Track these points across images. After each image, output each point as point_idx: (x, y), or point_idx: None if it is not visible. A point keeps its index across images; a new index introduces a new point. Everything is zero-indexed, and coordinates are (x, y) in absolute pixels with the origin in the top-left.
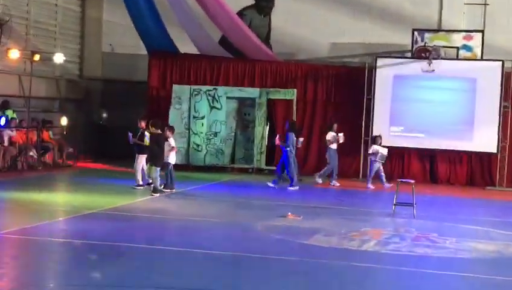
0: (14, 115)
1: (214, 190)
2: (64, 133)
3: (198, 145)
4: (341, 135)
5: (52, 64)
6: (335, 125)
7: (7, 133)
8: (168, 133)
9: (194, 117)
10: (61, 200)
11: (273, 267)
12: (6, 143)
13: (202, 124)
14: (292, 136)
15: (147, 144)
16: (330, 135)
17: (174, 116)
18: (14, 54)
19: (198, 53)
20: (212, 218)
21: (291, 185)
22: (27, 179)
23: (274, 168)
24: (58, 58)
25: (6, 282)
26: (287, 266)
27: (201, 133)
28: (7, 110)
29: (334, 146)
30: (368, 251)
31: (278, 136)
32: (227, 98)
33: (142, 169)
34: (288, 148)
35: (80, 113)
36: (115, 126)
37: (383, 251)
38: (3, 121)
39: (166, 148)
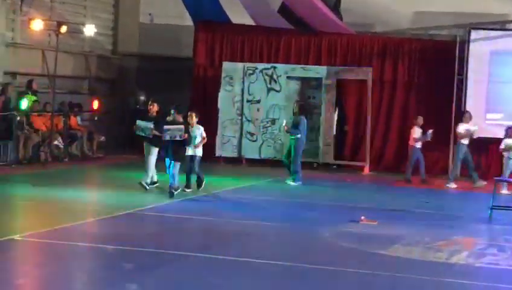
0: (35, 98)
1: (270, 188)
2: (95, 119)
3: (252, 135)
4: (430, 132)
5: (81, 38)
6: (420, 118)
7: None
8: (193, 118)
9: (248, 101)
10: (90, 199)
11: (344, 283)
12: (26, 130)
13: (258, 110)
14: (305, 121)
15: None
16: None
17: (224, 99)
18: (37, 24)
19: (253, 24)
20: (270, 222)
21: (295, 179)
22: (51, 173)
23: (344, 162)
24: (89, 30)
25: None
26: (360, 281)
27: (257, 120)
28: (29, 94)
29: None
30: (458, 264)
31: (284, 121)
32: (288, 78)
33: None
34: (298, 136)
35: (113, 96)
36: (163, 113)
37: (477, 265)
38: (25, 104)
39: (198, 138)
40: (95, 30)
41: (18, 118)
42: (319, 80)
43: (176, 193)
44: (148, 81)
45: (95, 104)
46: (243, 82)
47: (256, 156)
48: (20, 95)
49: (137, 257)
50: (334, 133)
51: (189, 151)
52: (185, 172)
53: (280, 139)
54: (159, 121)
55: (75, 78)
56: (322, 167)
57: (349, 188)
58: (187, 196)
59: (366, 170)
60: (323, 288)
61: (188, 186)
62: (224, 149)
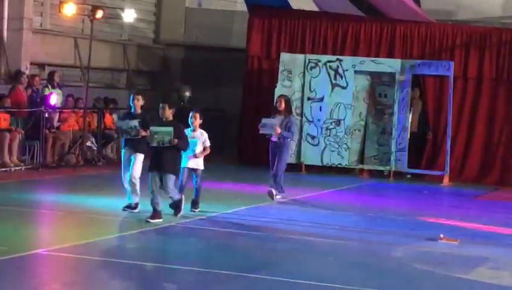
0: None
1: (334, 198)
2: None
3: (313, 138)
4: None
5: (119, 24)
6: None
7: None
8: (197, 120)
9: (309, 98)
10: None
11: None
12: (55, 128)
13: (320, 109)
14: (294, 122)
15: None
16: None
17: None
18: (70, 9)
19: (316, 10)
20: (334, 238)
21: (278, 191)
22: (83, 178)
23: (420, 171)
24: (128, 16)
25: None
26: None
27: (319, 121)
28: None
29: None
30: None
31: (277, 122)
32: (356, 72)
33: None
34: (288, 140)
35: (154, 91)
36: (202, 108)
37: None
38: (53, 99)
39: (198, 146)
40: (135, 16)
41: (46, 115)
42: (392, 75)
43: (181, 207)
44: (194, 75)
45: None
46: (304, 76)
47: (318, 163)
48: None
49: (180, 276)
50: (409, 136)
51: (190, 163)
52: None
53: (346, 144)
54: (146, 118)
55: (111, 70)
56: (394, 175)
57: (427, 200)
58: (236, 206)
59: (446, 181)
60: None
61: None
62: None
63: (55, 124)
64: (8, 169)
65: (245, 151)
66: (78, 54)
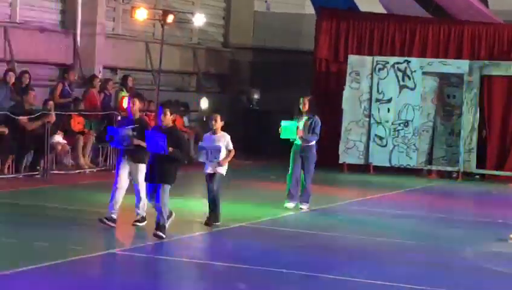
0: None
1: (402, 200)
2: (203, 119)
3: (382, 139)
4: None
5: (188, 29)
6: None
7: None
8: (217, 122)
9: (377, 100)
10: (197, 209)
11: None
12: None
13: (388, 110)
14: (320, 123)
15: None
16: None
17: (350, 98)
18: (141, 14)
19: (384, 12)
20: (402, 239)
21: (305, 201)
22: None
23: (489, 172)
24: (198, 20)
25: None
26: None
27: (387, 122)
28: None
29: None
30: None
31: (301, 124)
32: (424, 73)
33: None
34: (313, 143)
35: (223, 94)
36: (270, 111)
37: None
38: (126, 102)
39: (222, 151)
40: (205, 20)
41: (119, 118)
42: (460, 76)
43: (167, 226)
44: (262, 77)
45: (204, 103)
46: (372, 78)
47: (386, 163)
48: (121, 91)
49: (251, 276)
50: (477, 138)
51: (209, 169)
52: (208, 199)
53: (414, 144)
54: (143, 124)
55: (181, 73)
56: (463, 177)
57: (496, 201)
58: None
59: None
60: None
61: (214, 218)
62: (349, 155)
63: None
64: (82, 171)
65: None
66: (150, 57)
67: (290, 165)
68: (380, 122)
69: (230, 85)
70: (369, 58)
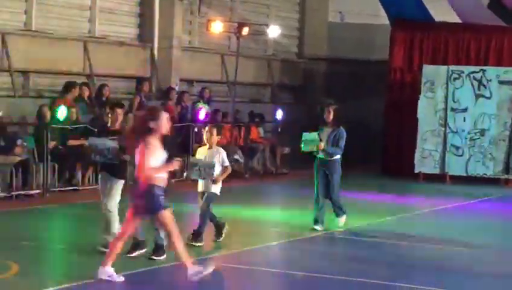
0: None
1: (479, 208)
2: (279, 130)
3: (458, 148)
4: None
5: (263, 40)
6: None
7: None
8: (213, 136)
9: (453, 109)
10: (273, 219)
11: None
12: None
13: (464, 119)
14: (345, 135)
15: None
16: None
17: (425, 107)
18: (217, 27)
19: (459, 21)
20: (477, 248)
21: (340, 214)
22: (230, 190)
23: None
24: (272, 31)
25: None
26: None
27: (463, 131)
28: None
29: None
30: None
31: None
32: (500, 82)
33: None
34: (338, 157)
35: (298, 104)
36: (347, 121)
37: None
38: (202, 114)
39: (217, 167)
40: (279, 31)
41: (195, 130)
42: None
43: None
44: (337, 88)
45: (279, 114)
46: (447, 88)
47: (462, 173)
48: (198, 103)
49: (326, 285)
50: None
51: (200, 187)
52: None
53: (491, 153)
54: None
55: (256, 85)
56: None
57: None
58: (384, 215)
59: None
60: None
61: (217, 234)
62: (425, 164)
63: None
64: None
65: (388, 162)
66: (225, 69)
67: (315, 185)
68: (456, 132)
69: (304, 95)
70: (443, 68)
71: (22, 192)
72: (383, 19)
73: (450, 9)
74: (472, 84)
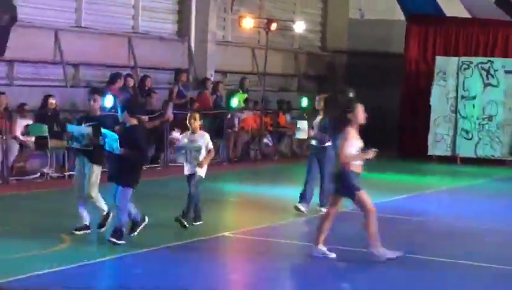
0: (246, 96)
1: (487, 188)
2: (305, 117)
3: (467, 132)
4: None
5: (290, 35)
6: None
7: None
8: (196, 121)
9: (463, 97)
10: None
11: None
12: (237, 127)
13: (473, 106)
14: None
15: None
16: None
17: (438, 95)
18: (248, 23)
19: (468, 16)
20: (486, 223)
21: (324, 205)
22: (261, 171)
23: None
24: (298, 27)
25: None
26: None
27: (472, 117)
28: (239, 93)
29: None
30: None
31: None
32: (506, 72)
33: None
34: (328, 144)
35: (322, 93)
36: (365, 108)
37: None
38: (234, 102)
39: (202, 151)
40: (304, 27)
41: (229, 116)
42: None
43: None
44: (357, 78)
45: (305, 102)
46: (458, 77)
47: (472, 155)
48: (231, 93)
49: (349, 256)
50: None
51: (186, 170)
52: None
53: (498, 137)
54: (106, 123)
55: (284, 76)
56: None
57: None
58: (402, 193)
59: None
60: None
61: (195, 218)
62: (437, 147)
63: (236, 124)
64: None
65: (404, 145)
66: (255, 62)
67: (306, 168)
68: (466, 118)
69: (327, 85)
70: (454, 59)
71: (73, 173)
72: (399, 14)
73: (460, 5)
74: (480, 74)
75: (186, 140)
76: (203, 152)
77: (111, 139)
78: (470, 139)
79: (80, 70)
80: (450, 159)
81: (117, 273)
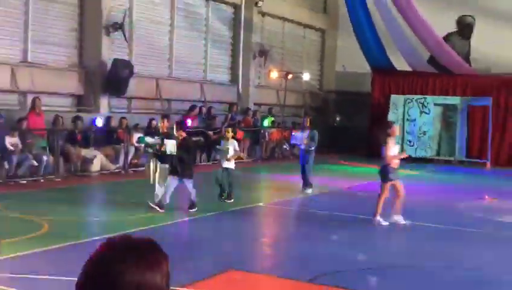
0: (273, 119)
1: (423, 176)
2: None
3: (410, 141)
4: None
5: (300, 81)
6: None
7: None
8: (228, 133)
9: (407, 120)
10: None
11: (476, 237)
12: (267, 138)
13: (414, 125)
14: (317, 134)
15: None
16: None
17: (392, 119)
18: (274, 74)
19: (410, 70)
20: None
21: (309, 187)
22: (282, 166)
23: (474, 160)
24: (305, 76)
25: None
26: (485, 238)
27: (413, 132)
28: (269, 117)
29: None
30: None
31: (304, 134)
32: (435, 104)
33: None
34: (313, 148)
35: (319, 117)
36: (346, 127)
37: None
38: (265, 122)
39: (230, 151)
40: (309, 76)
41: (262, 131)
42: (455, 106)
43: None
44: (342, 108)
45: (308, 122)
46: (404, 107)
47: (413, 155)
48: (263, 117)
49: (338, 219)
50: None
51: (224, 164)
52: (219, 183)
53: (429, 145)
54: (169, 137)
55: (296, 106)
56: (457, 163)
57: (476, 177)
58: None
59: (488, 165)
60: (461, 242)
61: (221, 195)
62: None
63: (266, 136)
64: (242, 160)
65: (370, 149)
66: (278, 98)
67: (300, 165)
68: (409, 132)
69: (323, 112)
70: (402, 96)
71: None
72: (368, 68)
73: (405, 62)
74: (418, 106)
75: (221, 145)
76: (231, 151)
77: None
78: (412, 145)
79: (172, 103)
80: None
81: (197, 228)
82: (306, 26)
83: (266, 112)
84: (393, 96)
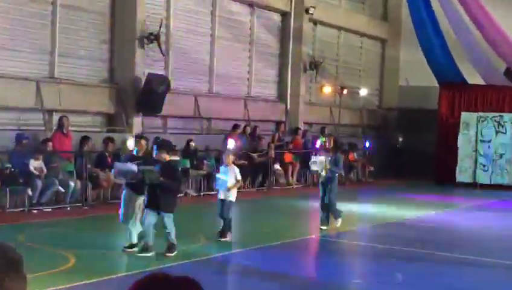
0: (325, 140)
1: (497, 205)
2: (367, 154)
3: (484, 166)
4: None
5: (356, 97)
6: None
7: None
8: (228, 158)
9: (481, 141)
10: (367, 210)
11: None
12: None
13: (489, 147)
14: (341, 158)
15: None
16: None
17: (462, 140)
18: (327, 89)
19: (484, 84)
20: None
21: (336, 218)
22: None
23: None
24: (363, 92)
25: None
26: None
27: (488, 155)
28: (321, 137)
29: None
30: None
31: (323, 158)
32: None
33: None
34: (337, 174)
35: (379, 138)
36: (409, 149)
37: None
38: (318, 143)
39: (231, 180)
40: (367, 91)
41: (313, 153)
42: None
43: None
44: (404, 127)
45: (367, 144)
46: (477, 127)
47: (488, 182)
48: (315, 137)
49: (398, 254)
50: None
51: (221, 195)
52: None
53: (506, 169)
54: (148, 161)
55: (352, 126)
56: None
57: None
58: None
59: None
60: None
61: (222, 234)
62: (462, 176)
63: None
64: (291, 187)
65: (439, 174)
66: (332, 116)
67: (320, 196)
68: (483, 155)
69: (383, 132)
70: (475, 114)
71: (208, 192)
72: (435, 81)
73: (478, 76)
74: (494, 125)
75: (220, 172)
76: (232, 181)
77: (150, 173)
78: (486, 171)
79: (211, 122)
80: (472, 185)
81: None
82: (364, 35)
83: (318, 132)
84: (464, 114)
